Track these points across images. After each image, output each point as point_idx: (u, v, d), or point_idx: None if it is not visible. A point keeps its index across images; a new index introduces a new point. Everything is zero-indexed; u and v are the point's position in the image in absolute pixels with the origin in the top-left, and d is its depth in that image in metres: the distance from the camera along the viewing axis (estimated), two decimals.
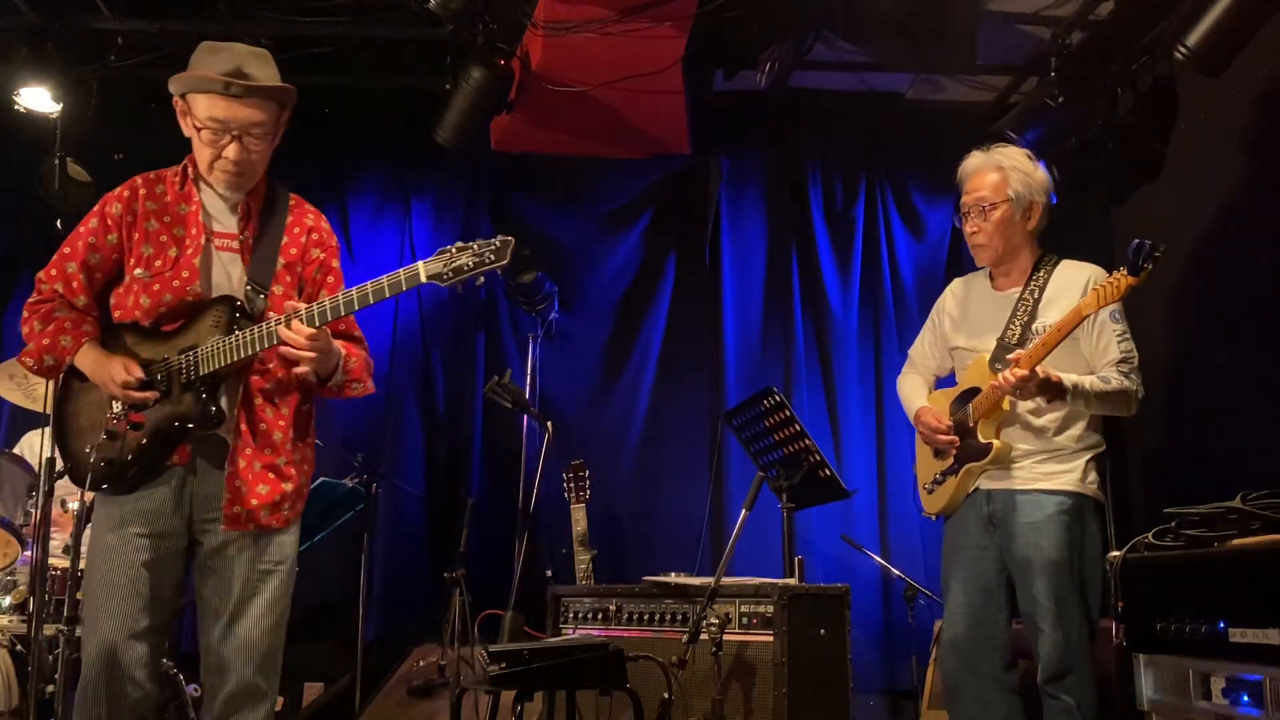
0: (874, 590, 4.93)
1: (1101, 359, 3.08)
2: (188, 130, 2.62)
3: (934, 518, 3.37)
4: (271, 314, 2.56)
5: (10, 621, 3.68)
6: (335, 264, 2.78)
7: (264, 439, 2.57)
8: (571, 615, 3.63)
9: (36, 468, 3.51)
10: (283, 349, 2.48)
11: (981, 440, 3.13)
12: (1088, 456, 3.10)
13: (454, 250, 2.46)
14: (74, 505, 3.52)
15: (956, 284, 3.49)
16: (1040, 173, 3.25)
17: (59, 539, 4.04)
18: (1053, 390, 2.96)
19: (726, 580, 3.16)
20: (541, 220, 5.44)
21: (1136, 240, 2.77)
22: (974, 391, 3.17)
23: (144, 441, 2.50)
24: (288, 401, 2.62)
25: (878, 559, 4.67)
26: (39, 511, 3.05)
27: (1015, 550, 3.06)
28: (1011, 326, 3.16)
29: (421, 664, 4.35)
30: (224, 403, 2.56)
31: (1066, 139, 4.59)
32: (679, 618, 3.31)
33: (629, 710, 2.95)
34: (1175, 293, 4.36)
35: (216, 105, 2.53)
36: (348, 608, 4.55)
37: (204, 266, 2.59)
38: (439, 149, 4.83)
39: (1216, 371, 4.13)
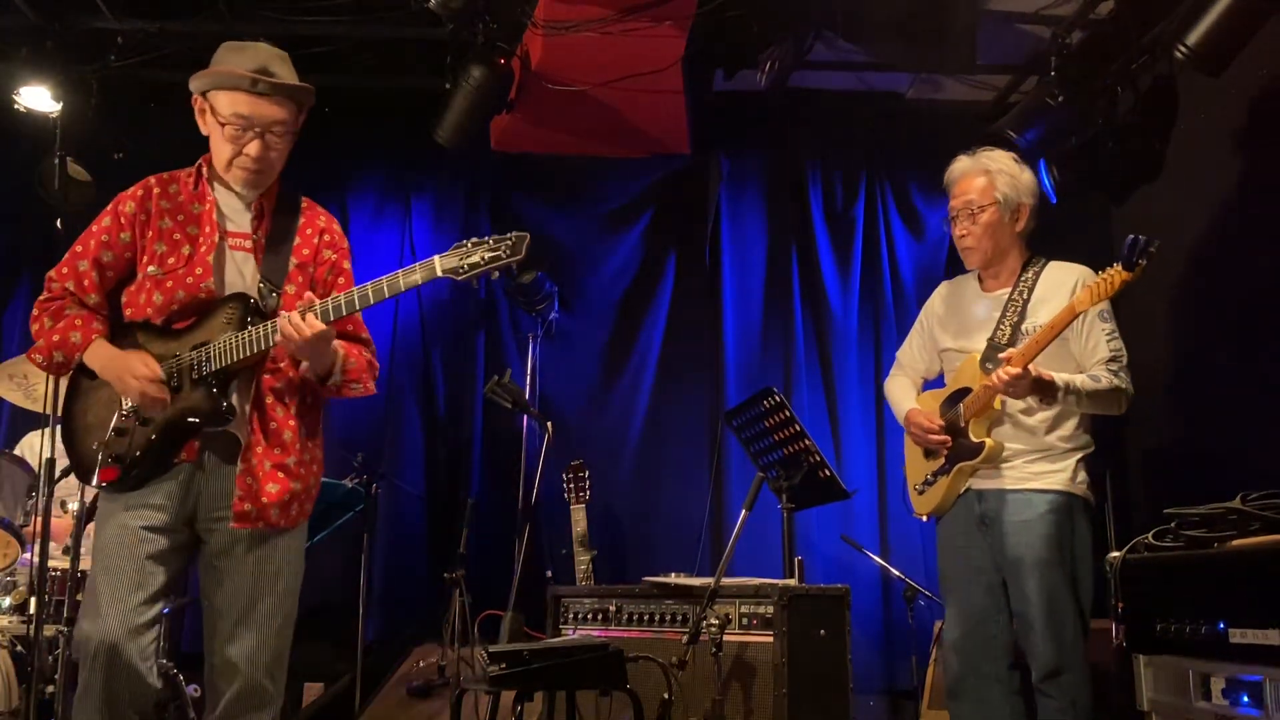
0: (874, 590, 4.93)
1: (1091, 358, 3.10)
2: (206, 128, 2.64)
3: (925, 518, 3.38)
4: (284, 312, 2.56)
5: (10, 622, 3.68)
6: (347, 265, 2.79)
7: (275, 438, 2.57)
8: (571, 615, 3.63)
9: (37, 468, 3.51)
10: (283, 327, 2.46)
11: (973, 440, 3.14)
12: (1078, 456, 3.12)
13: (469, 245, 2.48)
14: (74, 506, 3.52)
15: (944, 287, 3.50)
16: (1027, 175, 3.27)
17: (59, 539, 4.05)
18: (1045, 389, 2.98)
19: (726, 581, 3.16)
20: (541, 220, 5.44)
21: (1131, 235, 2.78)
22: (964, 392, 3.19)
23: (153, 437, 2.50)
24: (297, 401, 2.63)
25: (878, 559, 4.67)
26: (39, 512, 3.06)
27: (1007, 550, 3.07)
28: (1001, 327, 3.17)
29: (421, 664, 4.35)
30: (236, 400, 2.56)
31: (1066, 139, 4.59)
32: (679, 618, 3.31)
33: (629, 710, 2.95)
34: (1175, 293, 4.36)
35: (241, 102, 2.55)
36: (348, 608, 4.54)
37: (217, 264, 2.59)
38: (439, 149, 4.83)
39: (1216, 371, 4.13)
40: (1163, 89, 4.45)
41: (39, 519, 3.07)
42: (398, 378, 5.28)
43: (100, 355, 2.55)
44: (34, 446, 4.14)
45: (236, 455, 2.54)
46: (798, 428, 3.78)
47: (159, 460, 2.51)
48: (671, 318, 5.39)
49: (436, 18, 4.23)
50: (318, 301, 2.51)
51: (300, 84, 2.61)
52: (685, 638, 3.03)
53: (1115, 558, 2.69)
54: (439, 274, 2.47)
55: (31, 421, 4.45)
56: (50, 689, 3.39)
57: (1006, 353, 3.01)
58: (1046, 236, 3.32)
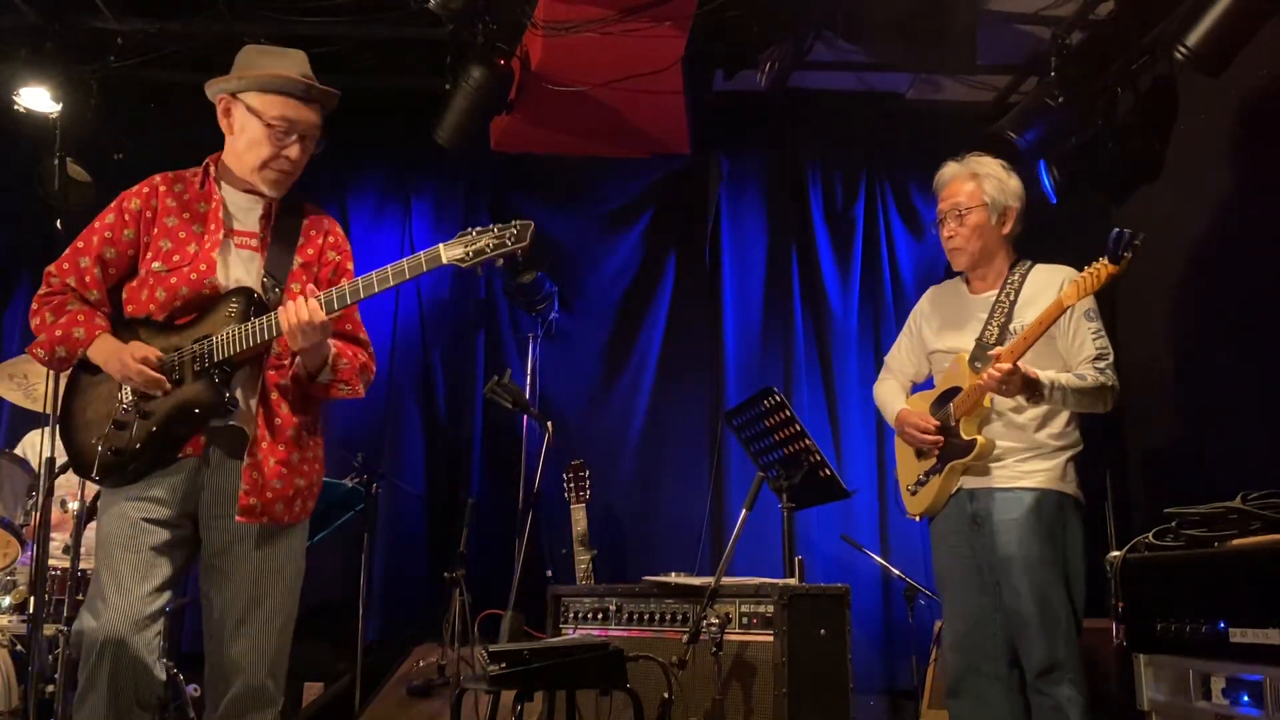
0: (874, 590, 4.93)
1: (1077, 356, 3.12)
2: (231, 128, 2.65)
3: (918, 519, 3.39)
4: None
5: (10, 621, 3.68)
6: (350, 268, 2.80)
7: (280, 433, 2.57)
8: (571, 615, 3.62)
9: (37, 468, 3.51)
10: (284, 309, 2.46)
11: (965, 438, 3.16)
12: (1068, 454, 3.14)
13: (474, 233, 2.50)
14: (74, 505, 3.52)
15: (932, 291, 3.55)
16: (1014, 180, 3.32)
17: (59, 539, 4.04)
18: (1031, 387, 3.00)
19: (726, 580, 3.16)
20: (541, 220, 5.36)
21: (1116, 229, 2.79)
22: (954, 392, 3.21)
23: (154, 429, 2.50)
24: (299, 397, 2.63)
25: (878, 559, 4.67)
26: (39, 511, 3.06)
27: (998, 548, 3.09)
28: (989, 327, 3.20)
29: (421, 664, 4.36)
30: (241, 395, 2.56)
31: (1066, 139, 4.59)
32: (679, 618, 3.31)
33: (629, 710, 2.94)
34: (1175, 293, 4.36)
35: (289, 106, 2.59)
36: (348, 608, 4.55)
37: (222, 260, 2.60)
38: (439, 149, 4.82)
39: (1216, 371, 4.13)
40: (1163, 89, 4.45)
41: (39, 517, 3.07)
42: (398, 378, 5.28)
43: (102, 350, 2.55)
44: (34, 446, 4.14)
45: (242, 450, 2.54)
46: (798, 427, 3.77)
47: (160, 454, 2.51)
48: (671, 318, 5.39)
49: (436, 18, 4.23)
50: (320, 292, 2.51)
51: (335, 91, 2.67)
52: (685, 637, 3.03)
53: (1115, 557, 2.69)
54: (444, 262, 2.48)
55: (31, 421, 4.45)
56: (50, 688, 3.39)
57: (996, 350, 3.04)
58: (1046, 236, 3.34)
